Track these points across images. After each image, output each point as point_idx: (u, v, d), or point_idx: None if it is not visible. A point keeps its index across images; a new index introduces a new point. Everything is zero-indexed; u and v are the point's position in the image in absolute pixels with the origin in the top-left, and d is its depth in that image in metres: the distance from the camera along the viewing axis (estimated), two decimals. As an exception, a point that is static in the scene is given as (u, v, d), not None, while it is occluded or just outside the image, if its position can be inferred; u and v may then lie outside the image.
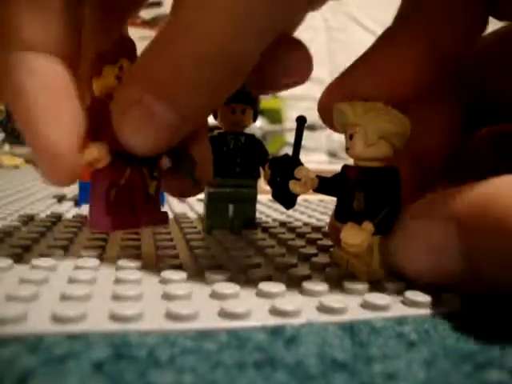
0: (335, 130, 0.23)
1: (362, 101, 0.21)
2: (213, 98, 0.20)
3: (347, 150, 0.21)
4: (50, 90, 0.20)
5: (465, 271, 0.18)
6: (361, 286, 0.19)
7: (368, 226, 0.20)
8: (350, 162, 0.22)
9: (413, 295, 0.18)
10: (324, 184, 0.22)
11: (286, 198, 0.28)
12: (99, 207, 0.22)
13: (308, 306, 0.17)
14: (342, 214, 0.22)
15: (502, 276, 0.17)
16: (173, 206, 0.42)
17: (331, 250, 0.24)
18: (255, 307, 0.17)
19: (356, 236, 0.20)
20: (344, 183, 0.22)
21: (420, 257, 0.19)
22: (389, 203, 0.20)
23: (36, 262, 0.21)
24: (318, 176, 0.22)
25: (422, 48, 0.21)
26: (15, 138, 1.15)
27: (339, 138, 0.22)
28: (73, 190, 0.51)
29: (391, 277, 0.21)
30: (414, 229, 0.20)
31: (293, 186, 0.22)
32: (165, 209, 0.40)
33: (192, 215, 0.38)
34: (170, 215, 0.37)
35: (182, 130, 0.20)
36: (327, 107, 0.22)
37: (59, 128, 0.20)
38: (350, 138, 0.21)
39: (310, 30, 1.58)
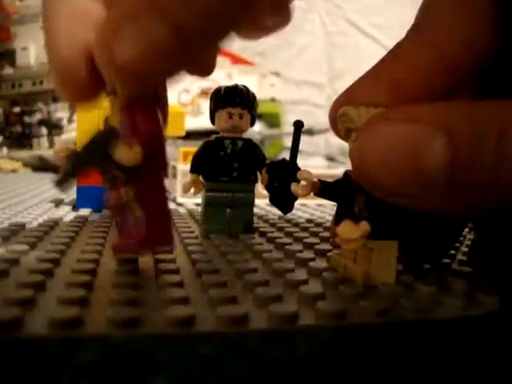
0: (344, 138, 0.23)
1: (367, 106, 0.21)
2: (211, 18, 0.18)
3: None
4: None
5: (439, 183, 0.17)
6: (358, 291, 0.19)
7: (364, 224, 0.20)
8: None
9: (410, 300, 0.18)
10: (325, 188, 0.22)
11: (284, 203, 0.28)
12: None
13: (305, 311, 0.17)
14: (342, 218, 0.22)
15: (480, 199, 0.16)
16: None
17: (329, 254, 0.24)
18: (252, 312, 0.17)
19: (352, 232, 0.20)
20: (345, 187, 0.22)
21: (385, 160, 0.18)
22: (389, 208, 0.20)
23: (33, 265, 0.21)
24: (319, 180, 0.22)
25: (432, 57, 0.21)
26: (13, 141, 1.15)
27: (337, 143, 0.22)
28: (71, 194, 0.51)
29: (388, 282, 0.21)
30: (384, 127, 0.18)
31: (294, 188, 0.22)
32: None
33: (189, 219, 0.38)
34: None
35: (176, 50, 0.18)
36: (335, 119, 0.22)
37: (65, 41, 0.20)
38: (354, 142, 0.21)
39: (308, 35, 1.59)
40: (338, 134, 0.23)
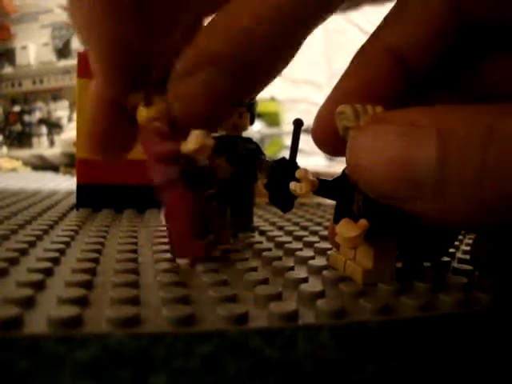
0: (330, 153, 0.24)
1: (363, 104, 0.21)
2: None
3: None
4: None
5: (428, 187, 0.17)
6: (357, 289, 0.19)
7: (363, 222, 0.20)
8: None
9: (409, 298, 0.18)
10: (324, 186, 0.22)
11: (283, 202, 0.28)
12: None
13: (305, 309, 0.17)
14: (341, 217, 0.22)
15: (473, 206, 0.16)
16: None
17: (328, 253, 0.24)
18: (252, 311, 0.17)
19: (351, 230, 0.20)
20: (344, 186, 0.22)
21: (378, 162, 0.18)
22: (387, 207, 0.20)
23: (33, 265, 0.21)
24: (318, 178, 0.22)
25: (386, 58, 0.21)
26: (13, 140, 1.15)
27: None
28: (70, 193, 0.51)
29: (388, 280, 0.21)
30: (377, 128, 0.18)
31: (293, 187, 0.22)
32: (162, 212, 0.40)
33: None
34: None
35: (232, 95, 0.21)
36: (322, 131, 0.23)
37: None
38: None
39: (307, 34, 1.59)
40: (323, 148, 0.23)
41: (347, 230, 0.20)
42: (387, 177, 0.17)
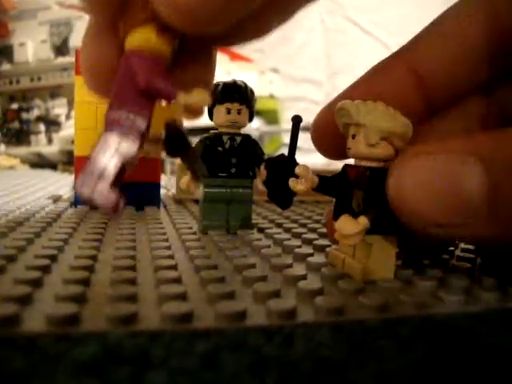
0: (328, 156, 0.24)
1: (364, 101, 0.20)
2: None
3: (348, 149, 0.21)
4: None
5: (481, 211, 0.17)
6: (356, 287, 0.19)
7: (363, 219, 0.20)
8: (351, 162, 0.22)
9: (409, 295, 0.18)
10: (324, 183, 0.22)
11: (282, 199, 0.28)
12: None
13: (303, 307, 0.17)
14: (340, 214, 0.22)
15: None
16: (168, 206, 0.42)
17: (328, 250, 0.24)
18: (250, 308, 0.17)
19: (351, 227, 0.20)
20: (344, 182, 0.22)
21: (426, 193, 0.18)
22: (388, 203, 0.20)
23: (31, 262, 0.21)
24: (318, 175, 0.22)
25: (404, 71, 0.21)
26: (11, 138, 1.15)
27: None
28: (68, 190, 0.51)
29: (387, 277, 0.21)
30: (420, 161, 0.18)
31: (293, 183, 0.22)
32: (160, 210, 0.40)
33: (187, 215, 0.38)
34: (166, 216, 0.37)
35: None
36: (323, 130, 0.22)
37: None
38: (352, 137, 0.21)
39: (307, 32, 1.59)
40: (320, 149, 0.23)
41: (347, 226, 0.20)
42: (439, 207, 0.18)
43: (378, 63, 0.22)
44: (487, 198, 0.17)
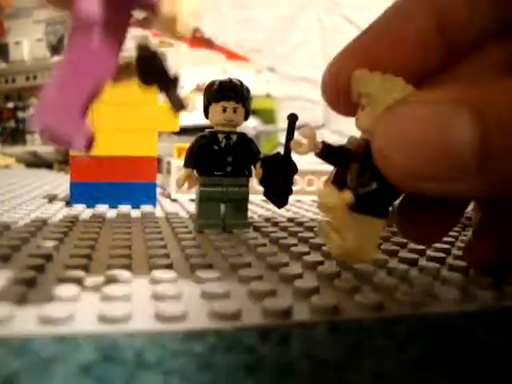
0: (336, 109, 0.22)
1: (384, 73, 0.19)
2: None
3: (356, 120, 0.20)
4: None
5: (471, 165, 0.15)
6: (352, 286, 0.19)
7: (348, 194, 0.19)
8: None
9: (405, 294, 0.18)
10: (327, 150, 0.20)
11: (278, 197, 0.28)
12: None
13: (299, 306, 0.17)
14: (338, 185, 0.20)
15: None
16: (164, 205, 0.42)
17: (324, 248, 0.24)
18: (246, 307, 0.16)
19: (332, 197, 0.19)
20: (344, 153, 0.20)
21: (414, 143, 0.16)
22: (381, 181, 0.18)
23: (25, 262, 0.20)
24: (323, 141, 0.20)
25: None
26: (6, 137, 1.14)
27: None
28: (64, 190, 0.51)
29: (382, 274, 0.21)
30: (408, 109, 0.17)
31: (295, 145, 0.21)
32: (156, 209, 0.40)
33: (183, 214, 0.37)
34: (162, 215, 0.37)
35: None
36: (335, 79, 0.21)
37: None
38: (361, 108, 0.20)
39: (304, 31, 1.59)
40: (329, 100, 0.22)
41: (327, 196, 0.19)
42: (427, 158, 0.16)
43: (393, 4, 0.20)
44: (478, 151, 0.15)
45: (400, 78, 0.19)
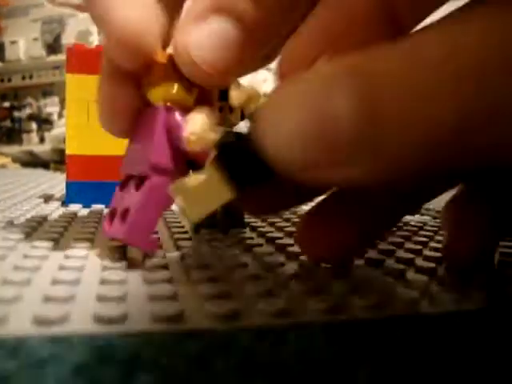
0: None
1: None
2: (274, 12, 0.19)
3: None
4: None
5: (353, 144, 0.13)
6: (350, 286, 0.19)
7: (215, 136, 0.18)
8: None
9: (404, 293, 0.18)
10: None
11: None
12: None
13: (295, 306, 0.17)
14: None
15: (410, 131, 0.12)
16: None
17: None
18: (241, 307, 0.16)
19: (197, 126, 0.18)
20: None
21: (290, 128, 0.14)
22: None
23: (19, 262, 0.20)
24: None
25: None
26: (2, 137, 1.14)
27: None
28: (60, 190, 0.50)
29: (380, 275, 0.21)
30: (282, 89, 0.15)
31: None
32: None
33: (180, 215, 0.37)
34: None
35: (244, 45, 0.19)
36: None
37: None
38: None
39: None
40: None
41: (196, 123, 0.19)
42: (305, 145, 0.14)
43: None
44: (359, 127, 0.13)
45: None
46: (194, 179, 0.18)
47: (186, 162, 0.21)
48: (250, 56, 0.20)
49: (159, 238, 0.27)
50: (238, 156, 0.17)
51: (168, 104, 0.21)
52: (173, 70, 0.20)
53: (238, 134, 0.19)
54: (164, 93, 0.21)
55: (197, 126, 0.19)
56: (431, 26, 0.14)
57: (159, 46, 0.21)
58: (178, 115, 0.21)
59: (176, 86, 0.21)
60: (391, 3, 0.18)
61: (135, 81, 0.22)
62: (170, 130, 0.21)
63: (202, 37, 0.19)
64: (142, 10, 0.20)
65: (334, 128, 0.13)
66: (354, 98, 0.13)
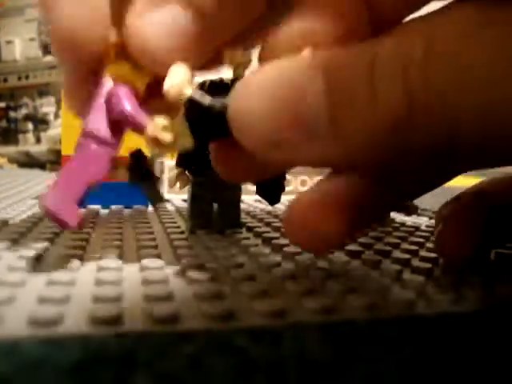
0: None
1: None
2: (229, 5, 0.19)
3: None
4: None
5: (318, 124, 0.15)
6: (345, 287, 0.19)
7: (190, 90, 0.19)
8: None
9: (399, 294, 0.18)
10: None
11: (271, 195, 0.28)
12: None
13: (291, 307, 0.17)
14: None
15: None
16: (156, 206, 0.42)
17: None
18: (238, 308, 0.16)
19: (177, 80, 0.19)
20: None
21: (265, 104, 0.15)
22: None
23: (14, 263, 0.20)
24: None
25: None
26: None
27: None
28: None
29: (377, 275, 0.21)
30: (264, 70, 0.16)
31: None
32: (148, 209, 0.40)
33: (176, 215, 0.37)
34: (154, 215, 0.37)
35: (199, 35, 0.19)
36: None
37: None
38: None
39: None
40: None
41: (175, 77, 0.19)
42: (274, 123, 0.15)
43: None
44: (326, 111, 0.15)
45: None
46: (164, 121, 0.19)
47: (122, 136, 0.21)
48: (198, 48, 0.20)
49: (155, 239, 0.27)
50: (199, 114, 0.19)
51: (115, 81, 0.21)
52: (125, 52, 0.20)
53: (211, 88, 0.21)
54: (112, 70, 0.21)
55: (176, 78, 0.19)
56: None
57: (107, 34, 0.20)
58: (120, 90, 0.20)
59: (123, 64, 0.20)
60: (372, 2, 0.18)
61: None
62: (110, 102, 0.20)
63: (152, 23, 0.19)
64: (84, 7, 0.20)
65: (304, 107, 0.15)
66: (323, 84, 0.15)
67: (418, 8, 0.18)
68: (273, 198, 0.28)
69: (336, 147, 0.15)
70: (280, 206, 0.41)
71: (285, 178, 0.28)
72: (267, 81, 0.16)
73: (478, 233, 0.21)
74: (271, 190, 0.28)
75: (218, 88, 0.21)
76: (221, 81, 0.28)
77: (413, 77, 0.14)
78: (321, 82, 0.15)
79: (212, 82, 0.25)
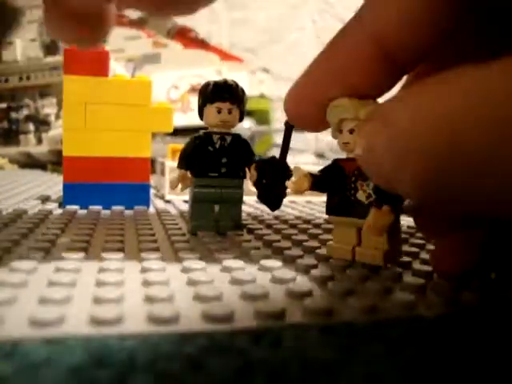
0: (307, 128, 0.24)
1: (360, 98, 0.21)
2: None
3: (346, 144, 0.22)
4: None
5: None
6: (345, 288, 0.19)
7: (387, 209, 0.21)
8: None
9: (401, 296, 0.18)
10: (318, 181, 0.23)
11: (272, 200, 0.28)
12: None
13: (292, 309, 0.17)
14: (338, 208, 0.23)
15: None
16: (157, 206, 0.42)
17: (328, 243, 0.24)
18: (238, 310, 0.16)
19: (383, 219, 0.21)
20: (340, 177, 0.23)
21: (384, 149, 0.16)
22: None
23: (16, 264, 0.20)
24: (310, 174, 0.23)
25: (370, 41, 0.20)
26: None
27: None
28: (58, 191, 0.50)
29: (377, 277, 0.21)
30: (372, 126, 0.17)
31: (293, 185, 0.23)
32: (150, 210, 0.40)
33: (177, 216, 0.37)
34: (155, 217, 0.37)
35: None
36: (296, 110, 0.22)
37: None
38: (350, 132, 0.22)
39: (298, 32, 1.59)
40: (299, 123, 0.23)
41: (380, 219, 0.21)
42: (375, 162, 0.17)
43: (339, 31, 0.21)
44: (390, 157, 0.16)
45: (371, 99, 0.20)
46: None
47: None
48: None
49: (156, 241, 0.27)
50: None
51: None
52: None
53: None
54: None
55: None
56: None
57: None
58: None
59: None
60: (383, 43, 0.19)
61: None
62: None
63: None
64: None
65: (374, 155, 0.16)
66: (382, 136, 0.16)
67: (427, 49, 0.20)
68: (274, 204, 0.28)
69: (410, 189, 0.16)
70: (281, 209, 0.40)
71: (286, 186, 0.28)
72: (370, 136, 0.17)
73: (472, 252, 0.21)
74: (273, 196, 0.28)
75: None
76: (225, 82, 0.29)
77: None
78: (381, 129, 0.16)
79: (216, 83, 0.26)
